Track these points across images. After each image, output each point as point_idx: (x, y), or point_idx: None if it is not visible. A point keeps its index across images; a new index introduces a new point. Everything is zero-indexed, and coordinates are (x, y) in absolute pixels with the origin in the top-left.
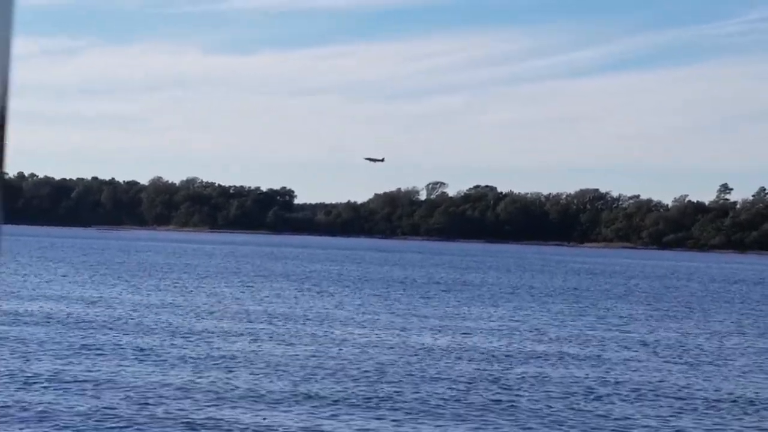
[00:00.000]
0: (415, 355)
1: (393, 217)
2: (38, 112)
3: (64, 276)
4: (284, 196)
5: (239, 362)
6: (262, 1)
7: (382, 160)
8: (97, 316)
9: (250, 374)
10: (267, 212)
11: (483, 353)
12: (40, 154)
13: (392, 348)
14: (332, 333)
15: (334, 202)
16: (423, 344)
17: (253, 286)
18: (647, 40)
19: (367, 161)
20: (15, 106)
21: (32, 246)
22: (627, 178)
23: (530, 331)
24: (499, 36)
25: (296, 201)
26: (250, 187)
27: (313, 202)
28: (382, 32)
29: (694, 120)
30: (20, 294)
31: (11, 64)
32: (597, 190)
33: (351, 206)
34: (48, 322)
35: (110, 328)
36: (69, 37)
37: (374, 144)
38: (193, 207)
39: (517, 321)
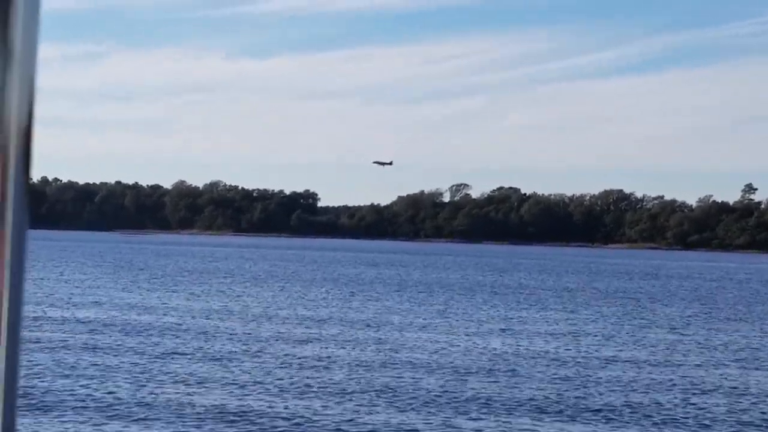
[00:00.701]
0: (492, 359)
1: (416, 219)
2: (61, 116)
3: (115, 282)
4: (308, 199)
5: (322, 368)
6: (282, 4)
7: (390, 163)
8: (163, 322)
9: (332, 378)
10: (290, 215)
11: (557, 358)
12: (64, 158)
13: (470, 353)
14: (400, 338)
15: (356, 204)
16: (495, 349)
17: (304, 291)
18: (668, 40)
19: (376, 164)
20: (38, 111)
21: (64, 250)
22: (651, 179)
23: (596, 335)
24: (519, 37)
25: (319, 204)
26: (273, 190)
27: (336, 204)
28: (400, 35)
29: (717, 120)
30: (75, 301)
31: (37, 72)
32: (621, 190)
33: (374, 209)
34: (118, 330)
35: (182, 335)
36: (91, 43)
37: (394, 147)
38: (216, 210)
39: (578, 324)
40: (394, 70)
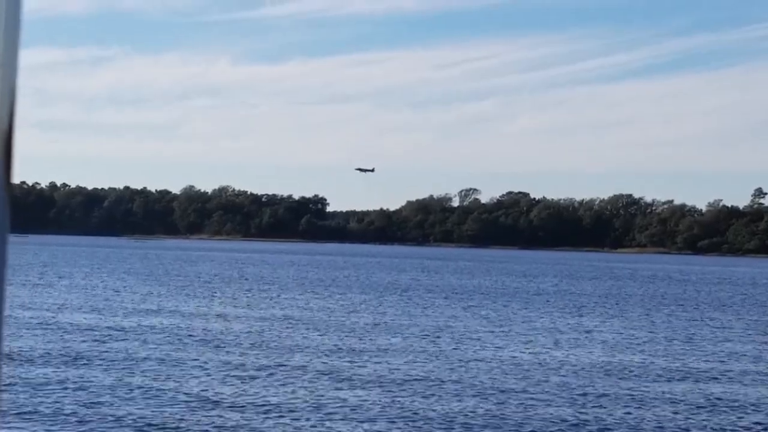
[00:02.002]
0: (541, 369)
1: (425, 224)
2: (68, 121)
3: (144, 289)
4: (316, 203)
5: (385, 379)
6: (292, 9)
7: (372, 170)
8: (202, 330)
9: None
10: (299, 220)
11: (606, 367)
12: (72, 163)
13: (518, 363)
14: (468, 348)
15: (365, 209)
16: (542, 359)
17: (337, 297)
18: (678, 45)
19: (358, 171)
20: (45, 115)
21: (79, 256)
22: (660, 184)
23: (648, 343)
24: (530, 42)
25: (328, 209)
26: (282, 195)
27: (345, 209)
28: (411, 39)
29: (727, 124)
30: (109, 308)
31: (18, 74)
32: (630, 195)
33: (384, 213)
34: (162, 338)
35: (226, 344)
36: (99, 47)
37: (403, 151)
38: (225, 215)
39: (625, 332)
40: (404, 75)
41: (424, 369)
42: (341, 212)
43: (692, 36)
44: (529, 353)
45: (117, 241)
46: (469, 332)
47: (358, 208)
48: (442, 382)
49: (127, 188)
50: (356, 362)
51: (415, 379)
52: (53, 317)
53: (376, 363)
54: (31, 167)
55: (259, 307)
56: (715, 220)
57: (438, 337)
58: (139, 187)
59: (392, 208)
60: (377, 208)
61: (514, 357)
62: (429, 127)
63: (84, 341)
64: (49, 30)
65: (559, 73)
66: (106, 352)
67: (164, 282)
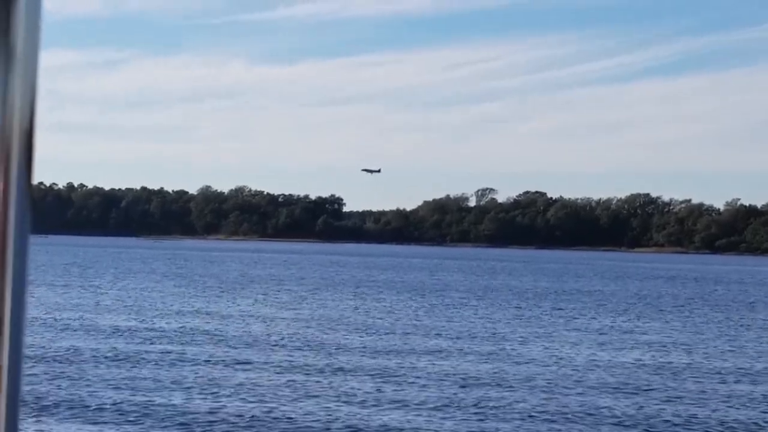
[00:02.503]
0: (595, 369)
1: (442, 224)
2: (85, 123)
3: (182, 290)
4: (333, 204)
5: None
6: (304, 10)
7: (379, 170)
8: (254, 332)
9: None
10: (316, 220)
11: (658, 368)
12: (89, 164)
13: (570, 364)
14: (520, 350)
15: (381, 209)
16: (592, 359)
17: (378, 299)
18: (692, 43)
19: (364, 172)
20: (61, 117)
21: (104, 257)
22: (677, 183)
23: (694, 343)
24: (542, 42)
25: (344, 209)
26: (298, 195)
27: (361, 209)
28: (422, 40)
29: (744, 122)
30: (149, 310)
31: (39, 75)
32: (648, 194)
33: (400, 214)
34: (210, 339)
35: (300, 346)
36: (114, 49)
37: (419, 151)
38: (242, 216)
39: (667, 332)
40: (415, 76)
41: (477, 370)
42: (357, 212)
43: (705, 35)
44: (578, 354)
45: (135, 242)
46: (513, 333)
47: (375, 208)
48: (498, 382)
49: (144, 189)
50: (408, 363)
51: (471, 380)
52: (95, 318)
53: (427, 364)
54: (48, 168)
55: (301, 307)
56: (733, 219)
57: (483, 337)
58: (156, 188)
59: (409, 209)
60: (393, 208)
61: (564, 358)
62: (442, 128)
63: (136, 342)
64: (63, 32)
65: (573, 73)
66: (163, 353)
67: (199, 282)
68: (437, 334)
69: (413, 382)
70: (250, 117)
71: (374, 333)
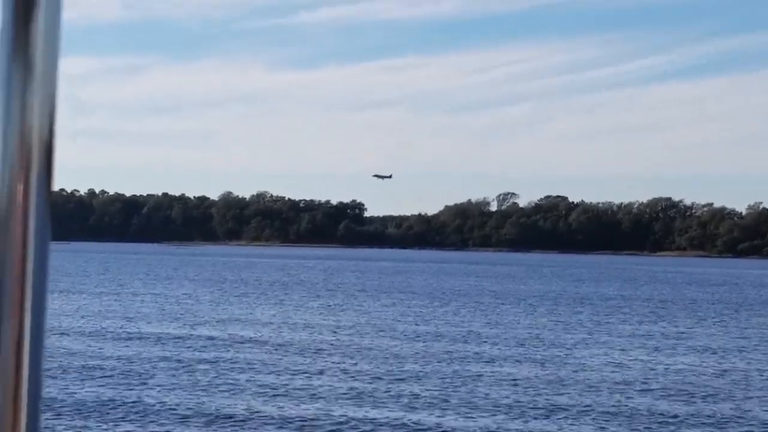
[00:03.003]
0: (652, 375)
1: (464, 228)
2: (106, 129)
3: (232, 296)
4: (354, 209)
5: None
6: (326, 15)
7: (390, 176)
8: (327, 339)
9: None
10: (338, 225)
11: (714, 373)
12: (110, 171)
13: (624, 371)
14: (567, 357)
15: (402, 214)
16: (646, 365)
17: (436, 305)
18: (715, 46)
19: (375, 178)
20: (82, 124)
21: (132, 263)
22: (699, 186)
23: (743, 348)
24: (563, 46)
25: (366, 214)
26: (320, 201)
27: (382, 214)
28: (445, 44)
29: (766, 125)
30: (217, 318)
31: (58, 86)
32: (669, 198)
33: (422, 218)
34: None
35: (352, 353)
36: (134, 55)
37: (440, 156)
38: (263, 221)
39: (713, 336)
40: (439, 79)
41: (532, 377)
42: (379, 217)
43: (728, 38)
44: (630, 360)
45: (158, 248)
46: (560, 339)
47: (396, 213)
48: (561, 389)
49: (165, 195)
50: (467, 370)
51: (534, 386)
52: (138, 326)
53: (485, 370)
54: (70, 175)
55: (343, 314)
56: (756, 223)
57: (535, 344)
58: (178, 194)
59: (430, 213)
60: (415, 213)
61: (617, 364)
62: (465, 132)
63: (200, 350)
64: (85, 39)
65: (595, 76)
66: (229, 360)
67: (235, 288)
68: (491, 341)
69: (473, 390)
70: (272, 122)
71: (429, 339)
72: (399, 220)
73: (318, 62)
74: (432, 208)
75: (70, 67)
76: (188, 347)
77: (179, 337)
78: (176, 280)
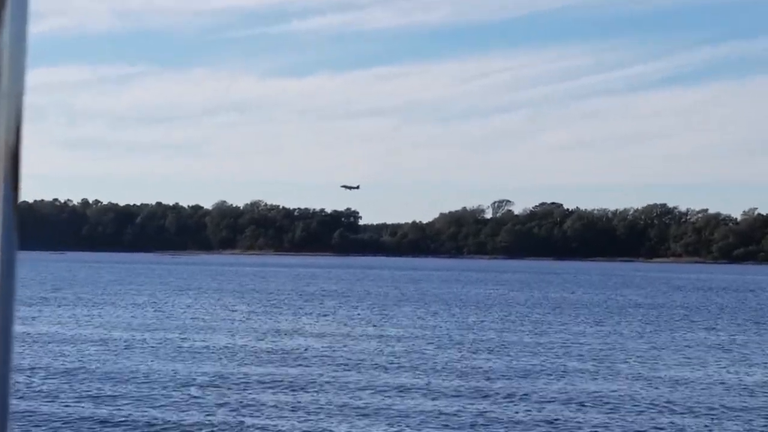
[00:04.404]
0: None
1: (459, 236)
2: (98, 139)
3: (238, 307)
4: (349, 217)
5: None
6: (317, 23)
7: (358, 187)
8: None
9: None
10: (332, 234)
11: None
12: (104, 180)
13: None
14: (599, 366)
15: (396, 222)
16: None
17: (467, 314)
18: (708, 54)
19: (343, 188)
20: (74, 133)
21: (138, 273)
22: (694, 193)
23: None
24: (557, 54)
25: (360, 222)
26: (314, 209)
27: (377, 222)
28: (437, 52)
29: (760, 132)
30: (241, 328)
31: (25, 91)
32: (664, 204)
33: (417, 226)
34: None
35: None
36: (126, 64)
37: (435, 164)
38: (258, 230)
39: (756, 345)
40: (432, 88)
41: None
42: (373, 225)
43: (721, 45)
44: (681, 370)
45: (154, 257)
46: (605, 349)
47: (390, 221)
48: (615, 401)
49: (159, 204)
50: (508, 383)
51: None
52: (172, 337)
53: (531, 384)
54: (63, 184)
55: (373, 324)
56: (751, 229)
57: (580, 354)
58: (171, 203)
59: (425, 221)
60: (410, 221)
61: (665, 374)
62: (458, 140)
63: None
64: (76, 48)
65: (585, 84)
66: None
67: (249, 299)
68: (534, 352)
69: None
70: (265, 131)
71: (468, 349)
72: (393, 228)
73: (310, 70)
74: (426, 216)
75: (62, 75)
76: (232, 360)
77: (218, 349)
78: (193, 291)
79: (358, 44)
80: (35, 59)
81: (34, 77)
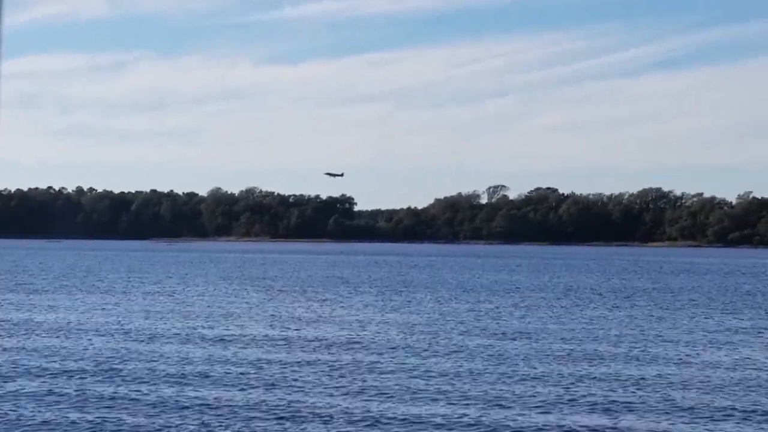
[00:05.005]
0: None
1: (454, 221)
2: (92, 126)
3: (259, 295)
4: (344, 203)
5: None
6: (311, 10)
7: (342, 174)
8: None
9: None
10: (327, 220)
11: None
12: (98, 168)
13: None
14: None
15: (391, 208)
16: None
17: (483, 301)
18: (703, 37)
19: (327, 176)
20: (69, 121)
21: (146, 261)
22: (689, 177)
23: None
24: (550, 38)
25: (355, 208)
26: (309, 196)
27: (372, 208)
28: (431, 38)
29: (754, 116)
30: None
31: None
32: (659, 189)
33: (412, 212)
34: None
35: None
36: (120, 51)
37: (429, 149)
38: (253, 217)
39: None
40: (424, 74)
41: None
42: (368, 211)
43: (715, 29)
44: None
45: (151, 245)
46: (630, 336)
47: (386, 207)
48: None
49: (154, 191)
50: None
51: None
52: (199, 328)
53: (573, 370)
54: (57, 172)
55: (398, 311)
56: (745, 213)
57: (610, 340)
58: (166, 190)
59: (420, 207)
60: (405, 206)
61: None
62: (452, 125)
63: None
64: (70, 36)
65: (579, 69)
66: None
67: (263, 287)
68: (568, 337)
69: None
70: (259, 117)
71: (500, 336)
72: (389, 214)
73: (304, 57)
74: (422, 202)
75: (55, 63)
76: (273, 348)
77: (258, 338)
78: (211, 278)
79: (352, 30)
80: (28, 47)
81: (26, 65)
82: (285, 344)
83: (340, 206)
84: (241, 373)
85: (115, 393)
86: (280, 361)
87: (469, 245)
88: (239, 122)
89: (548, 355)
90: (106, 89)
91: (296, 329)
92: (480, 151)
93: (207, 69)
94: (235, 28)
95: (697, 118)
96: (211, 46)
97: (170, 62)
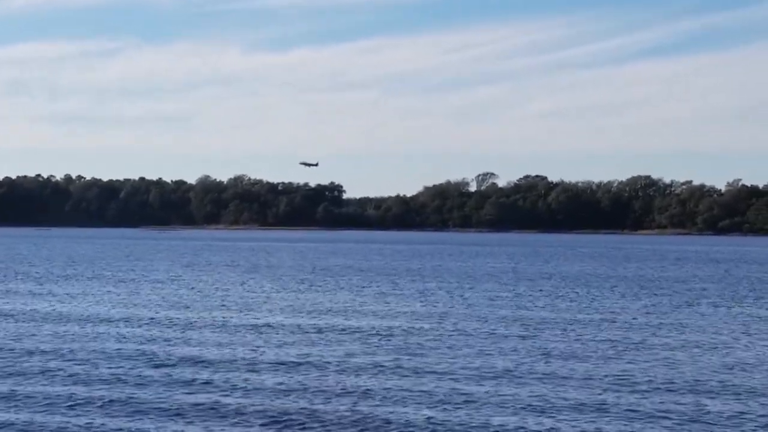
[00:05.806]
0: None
1: (443, 209)
2: (81, 113)
3: (264, 284)
4: (333, 191)
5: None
6: None
7: (317, 164)
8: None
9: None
10: (316, 208)
11: None
12: (86, 156)
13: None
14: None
15: (379, 196)
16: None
17: (496, 290)
18: (690, 24)
19: (302, 165)
20: (58, 108)
21: (144, 248)
22: (678, 164)
23: None
24: (539, 25)
25: (344, 196)
26: (298, 183)
27: (361, 196)
28: (420, 24)
29: (744, 103)
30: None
31: None
32: (649, 176)
33: (401, 200)
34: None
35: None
36: (109, 38)
37: (417, 137)
38: (242, 205)
39: None
40: (413, 60)
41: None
42: (356, 199)
43: (703, 15)
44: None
45: (141, 233)
46: (646, 325)
47: (371, 195)
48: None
49: (142, 179)
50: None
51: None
52: (214, 317)
53: (590, 367)
54: (46, 160)
55: (411, 300)
56: (735, 200)
57: (618, 327)
58: (155, 178)
59: (409, 194)
60: (394, 194)
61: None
62: (441, 113)
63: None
64: (59, 23)
65: (568, 55)
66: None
67: (268, 275)
68: (597, 327)
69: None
70: (248, 105)
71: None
72: (378, 202)
73: (292, 44)
74: (410, 190)
75: (45, 50)
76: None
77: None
78: (214, 266)
79: (342, 17)
80: (17, 34)
81: (16, 52)
82: (317, 333)
83: (329, 194)
84: (281, 363)
85: (145, 375)
86: (310, 352)
87: (459, 233)
88: (228, 109)
89: (597, 349)
90: (95, 76)
91: (326, 318)
92: (468, 136)
93: (196, 56)
94: (225, 15)
95: (685, 104)
96: (201, 33)
97: (159, 49)
